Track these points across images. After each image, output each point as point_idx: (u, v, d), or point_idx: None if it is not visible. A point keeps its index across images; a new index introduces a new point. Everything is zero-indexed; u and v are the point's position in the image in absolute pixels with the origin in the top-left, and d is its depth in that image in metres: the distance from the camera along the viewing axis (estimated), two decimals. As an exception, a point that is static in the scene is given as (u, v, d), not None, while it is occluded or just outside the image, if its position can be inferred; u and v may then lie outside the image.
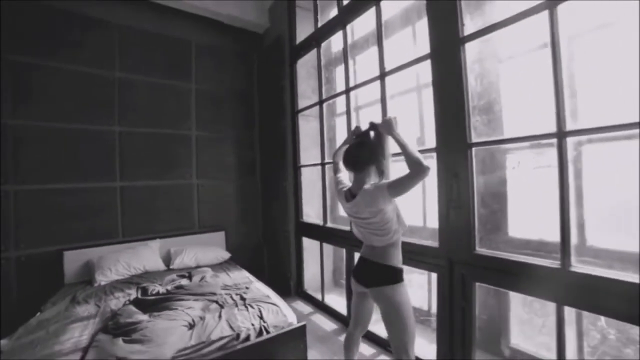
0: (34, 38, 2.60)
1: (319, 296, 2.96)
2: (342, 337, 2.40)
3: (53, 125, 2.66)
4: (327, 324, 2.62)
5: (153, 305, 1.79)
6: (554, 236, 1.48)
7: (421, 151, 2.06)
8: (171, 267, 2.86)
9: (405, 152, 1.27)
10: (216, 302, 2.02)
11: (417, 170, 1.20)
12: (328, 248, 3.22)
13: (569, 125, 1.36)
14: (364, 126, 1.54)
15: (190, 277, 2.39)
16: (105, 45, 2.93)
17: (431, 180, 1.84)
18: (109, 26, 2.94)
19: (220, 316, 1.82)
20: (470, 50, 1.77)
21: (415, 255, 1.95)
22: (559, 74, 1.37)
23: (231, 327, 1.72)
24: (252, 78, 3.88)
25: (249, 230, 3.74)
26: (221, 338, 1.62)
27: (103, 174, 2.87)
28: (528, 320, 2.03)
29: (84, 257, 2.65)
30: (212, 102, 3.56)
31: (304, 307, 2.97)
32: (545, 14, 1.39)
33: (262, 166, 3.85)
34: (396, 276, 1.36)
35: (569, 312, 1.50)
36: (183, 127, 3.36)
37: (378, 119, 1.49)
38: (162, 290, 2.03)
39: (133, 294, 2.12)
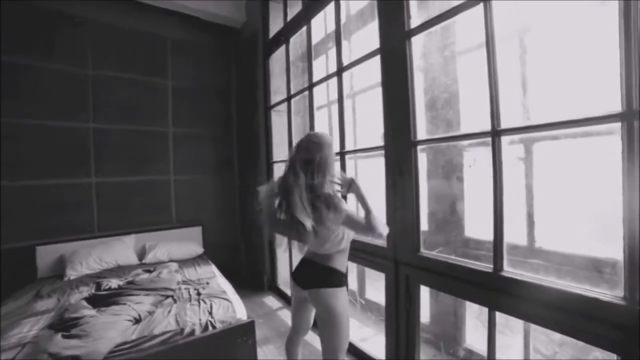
0: (2, 35, 2.64)
1: (289, 292, 2.98)
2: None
3: (27, 122, 2.72)
4: (292, 320, 2.64)
5: (104, 300, 1.83)
6: (509, 237, 1.43)
7: (371, 149, 2.05)
8: (144, 261, 2.92)
9: (367, 215, 1.22)
10: (171, 297, 2.06)
11: (370, 234, 1.22)
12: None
13: (514, 123, 1.30)
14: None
15: (153, 272, 2.44)
16: (79, 42, 2.95)
17: (380, 178, 1.81)
18: (83, 23, 2.96)
19: (170, 311, 1.86)
20: (422, 44, 1.72)
21: (367, 255, 1.93)
22: (492, 72, 1.31)
23: (177, 322, 1.75)
24: (230, 74, 3.87)
25: (226, 226, 3.77)
26: (164, 333, 1.65)
27: (78, 170, 2.93)
28: (482, 320, 2.00)
29: (58, 252, 2.72)
30: (190, 99, 3.57)
31: (275, 303, 3.00)
32: (480, 7, 1.33)
33: (239, 162, 3.86)
34: (338, 280, 1.32)
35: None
36: (159, 123, 3.39)
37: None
38: (114, 285, 2.08)
39: (90, 290, 2.17)
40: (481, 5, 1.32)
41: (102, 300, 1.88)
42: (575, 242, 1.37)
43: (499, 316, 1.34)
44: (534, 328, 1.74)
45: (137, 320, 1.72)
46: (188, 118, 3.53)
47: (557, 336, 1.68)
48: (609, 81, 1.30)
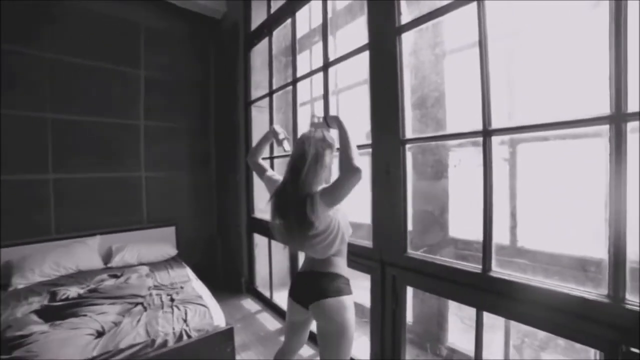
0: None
1: (269, 294, 2.87)
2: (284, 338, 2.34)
3: (-30, 109, 2.40)
4: (272, 323, 2.54)
5: (59, 312, 1.62)
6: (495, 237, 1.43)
7: (359, 147, 2.00)
8: (109, 265, 2.67)
9: (344, 144, 1.09)
10: (141, 304, 1.89)
11: (346, 175, 1.03)
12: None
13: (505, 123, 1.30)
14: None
15: (121, 277, 2.23)
16: (31, 20, 2.63)
17: (366, 178, 1.76)
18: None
19: (139, 320, 1.69)
20: (413, 42, 1.69)
21: (352, 256, 1.87)
22: (485, 71, 1.30)
23: (147, 333, 1.59)
24: (208, 66, 3.67)
25: (202, 225, 3.58)
26: (132, 346, 1.49)
27: (32, 165, 2.63)
28: (463, 317, 2.02)
29: (3, 257, 2.40)
30: (164, 90, 3.34)
31: (253, 306, 2.88)
32: (473, 5, 1.31)
33: (217, 159, 3.68)
34: (344, 286, 1.16)
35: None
36: (130, 116, 3.14)
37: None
38: (73, 294, 1.85)
39: (42, 300, 1.91)
40: (474, 4, 1.30)
41: (56, 312, 1.65)
42: (559, 242, 1.41)
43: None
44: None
45: (100, 334, 1.54)
46: (161, 111, 3.30)
47: (523, 327, 1.72)
48: (598, 83, 1.33)
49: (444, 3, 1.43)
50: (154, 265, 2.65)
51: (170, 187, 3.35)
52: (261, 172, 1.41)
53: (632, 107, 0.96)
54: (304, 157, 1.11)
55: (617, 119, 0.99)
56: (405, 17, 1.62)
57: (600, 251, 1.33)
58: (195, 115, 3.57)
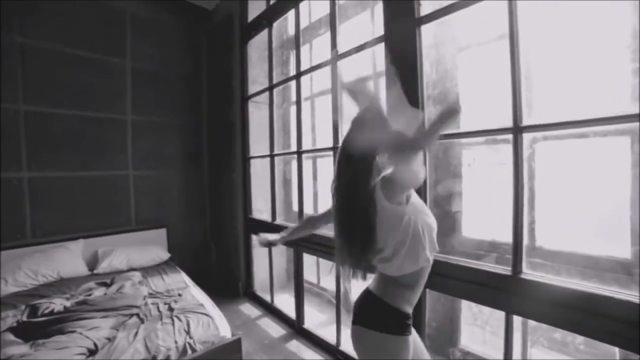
0: None
1: (268, 298, 2.75)
2: (289, 344, 2.23)
3: None
4: (275, 329, 2.42)
5: (42, 329, 1.43)
6: (506, 237, 1.39)
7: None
8: (96, 271, 2.46)
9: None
10: (137, 315, 1.72)
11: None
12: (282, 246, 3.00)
13: (525, 121, 1.25)
14: None
15: (111, 285, 2.04)
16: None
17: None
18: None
19: (136, 334, 1.53)
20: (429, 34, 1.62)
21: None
22: (516, 66, 1.24)
23: (147, 348, 1.44)
24: (199, 58, 3.47)
25: (194, 227, 3.39)
26: (131, 364, 1.34)
27: (2, 162, 2.36)
28: (475, 316, 1.99)
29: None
30: (153, 83, 3.12)
31: (252, 311, 2.74)
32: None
33: (209, 156, 3.50)
34: (391, 322, 0.92)
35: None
36: (115, 110, 2.91)
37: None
38: (58, 307, 1.65)
39: (19, 316, 1.67)
40: (505, -6, 1.24)
41: (38, 329, 1.46)
42: (578, 241, 1.40)
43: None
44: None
45: (92, 352, 1.37)
46: (150, 105, 3.08)
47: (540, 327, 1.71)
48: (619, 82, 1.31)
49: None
50: (146, 271, 2.46)
51: (160, 186, 3.14)
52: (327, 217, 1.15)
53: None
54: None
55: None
56: (426, 8, 1.54)
57: (620, 251, 1.32)
58: (186, 111, 3.37)
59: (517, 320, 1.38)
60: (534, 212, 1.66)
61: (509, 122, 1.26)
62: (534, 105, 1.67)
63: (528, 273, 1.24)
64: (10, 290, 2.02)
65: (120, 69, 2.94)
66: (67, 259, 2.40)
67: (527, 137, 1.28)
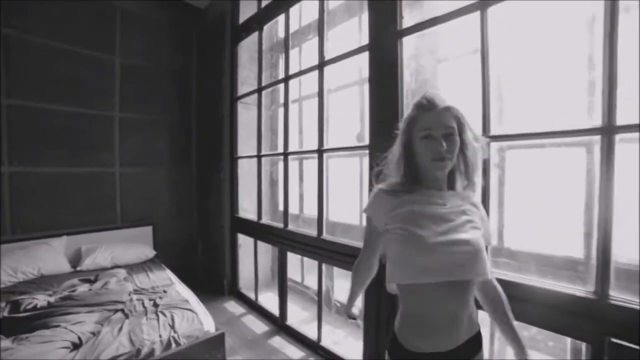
0: None
1: (253, 296, 2.79)
2: (272, 340, 2.29)
3: None
4: (258, 326, 2.47)
5: (25, 324, 1.44)
6: None
7: (353, 148, 2.03)
8: (79, 268, 2.45)
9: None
10: (122, 310, 1.74)
11: None
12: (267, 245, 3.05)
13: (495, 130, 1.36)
14: None
15: (95, 281, 2.05)
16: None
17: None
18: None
19: (121, 329, 1.56)
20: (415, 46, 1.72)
21: (346, 257, 1.88)
22: (486, 80, 1.35)
23: (132, 342, 1.47)
24: (190, 57, 3.49)
25: (181, 225, 3.40)
26: (115, 357, 1.37)
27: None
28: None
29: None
30: (142, 80, 3.12)
31: (237, 308, 2.78)
32: (477, 14, 1.36)
33: (198, 155, 3.51)
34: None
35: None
36: (103, 106, 2.89)
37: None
38: (42, 303, 1.66)
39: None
40: (478, 12, 1.35)
41: (21, 324, 1.47)
42: (544, 242, 1.52)
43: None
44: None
45: (77, 346, 1.39)
46: (138, 102, 3.08)
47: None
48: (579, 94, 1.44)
49: (446, 10, 1.47)
50: (131, 268, 2.47)
51: (147, 184, 3.14)
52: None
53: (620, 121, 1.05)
54: None
55: (609, 131, 1.07)
56: (407, 21, 1.64)
57: (579, 251, 1.45)
58: (176, 108, 3.38)
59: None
60: (504, 214, 1.79)
61: (478, 132, 1.37)
62: (504, 117, 1.80)
63: (495, 271, 1.35)
64: (-12, 287, 2.00)
65: (109, 64, 2.93)
66: (49, 255, 2.38)
67: (495, 145, 1.39)
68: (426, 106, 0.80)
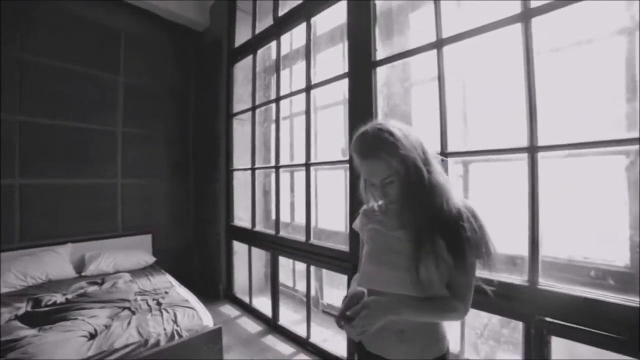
0: None
1: (247, 300, 2.98)
2: (265, 339, 2.48)
3: None
4: (252, 326, 2.66)
5: (46, 317, 1.63)
6: None
7: (336, 162, 2.28)
8: (84, 273, 2.61)
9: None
10: (128, 308, 1.93)
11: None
12: (261, 252, 3.25)
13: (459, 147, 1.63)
14: None
15: (102, 284, 2.23)
16: (5, 17, 2.54)
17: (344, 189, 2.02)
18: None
19: (129, 323, 1.75)
20: (385, 75, 2.01)
21: (329, 259, 2.11)
22: (442, 103, 1.63)
23: (140, 333, 1.67)
24: (188, 76, 3.75)
25: (178, 233, 3.59)
26: (126, 346, 1.56)
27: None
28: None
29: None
30: (143, 97, 3.36)
31: (232, 311, 2.96)
32: (434, 52, 1.65)
33: (195, 167, 3.74)
34: None
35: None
36: (107, 122, 3.11)
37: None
38: (60, 299, 1.85)
39: (23, 307, 1.88)
40: (435, 50, 1.64)
41: (42, 318, 1.67)
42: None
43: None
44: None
45: (93, 336, 1.59)
46: (140, 118, 3.31)
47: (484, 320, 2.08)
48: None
49: (412, 46, 1.76)
50: (133, 273, 2.64)
51: (147, 194, 3.34)
52: None
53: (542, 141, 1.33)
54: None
55: (532, 150, 1.34)
56: (380, 53, 1.93)
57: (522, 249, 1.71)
58: (174, 124, 3.62)
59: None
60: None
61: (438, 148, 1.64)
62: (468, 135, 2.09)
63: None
64: (1, 290, 2.16)
65: (114, 83, 3.17)
66: (56, 261, 2.55)
67: (454, 160, 1.65)
68: (358, 153, 0.81)
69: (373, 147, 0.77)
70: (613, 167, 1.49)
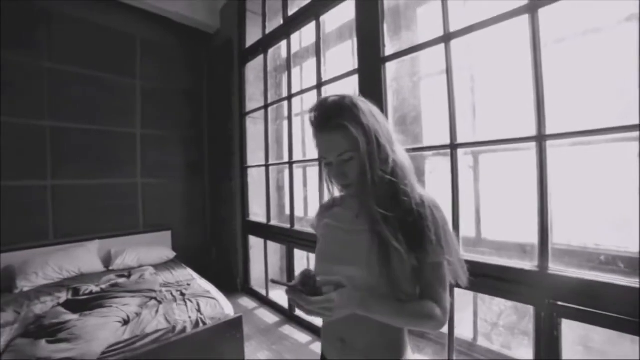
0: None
1: (264, 292, 3.09)
2: (283, 329, 2.58)
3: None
4: (270, 317, 2.77)
5: (85, 304, 1.78)
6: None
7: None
8: (111, 268, 2.78)
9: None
10: (155, 298, 2.06)
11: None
12: (276, 245, 3.36)
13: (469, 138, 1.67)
14: None
15: (129, 276, 2.38)
16: (31, 30, 2.72)
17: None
18: (36, 9, 2.74)
19: (157, 311, 1.88)
20: (395, 70, 2.05)
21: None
22: (451, 96, 1.67)
23: (167, 321, 1.79)
24: (201, 77, 3.88)
25: (196, 230, 3.74)
26: (156, 331, 1.69)
27: (31, 171, 2.70)
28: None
29: (3, 262, 2.44)
30: (159, 100, 3.50)
31: (250, 303, 3.08)
32: (442, 46, 1.69)
33: (210, 166, 3.87)
34: None
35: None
36: (127, 124, 3.27)
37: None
38: (95, 289, 2.01)
39: (63, 296, 2.05)
40: (442, 45, 1.68)
41: (81, 305, 1.82)
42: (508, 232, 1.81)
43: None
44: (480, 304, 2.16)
45: (126, 322, 1.72)
46: (157, 120, 3.46)
47: (496, 308, 2.12)
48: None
49: (420, 41, 1.80)
50: (156, 267, 2.79)
51: (165, 193, 3.50)
52: None
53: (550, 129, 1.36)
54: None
55: (540, 139, 1.37)
56: (389, 49, 1.98)
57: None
58: (189, 125, 3.76)
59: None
60: (480, 209, 2.09)
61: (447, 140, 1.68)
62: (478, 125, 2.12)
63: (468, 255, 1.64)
64: (40, 282, 2.34)
65: (131, 88, 3.32)
66: (86, 256, 2.72)
67: (464, 151, 1.69)
68: (314, 125, 0.69)
69: (331, 114, 0.66)
70: (625, 154, 1.50)
